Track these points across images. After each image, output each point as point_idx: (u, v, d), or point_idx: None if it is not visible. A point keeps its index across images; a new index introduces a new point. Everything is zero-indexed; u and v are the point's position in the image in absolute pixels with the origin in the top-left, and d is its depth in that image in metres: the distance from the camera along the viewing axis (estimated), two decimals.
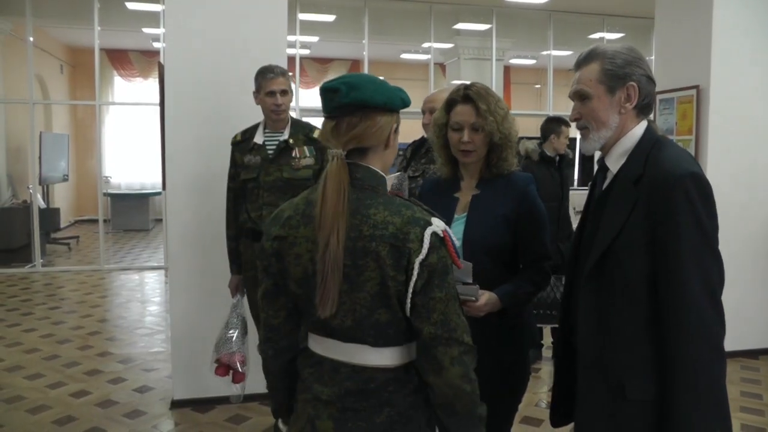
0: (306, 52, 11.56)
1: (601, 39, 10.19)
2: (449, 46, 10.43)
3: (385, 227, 1.35)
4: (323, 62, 12.58)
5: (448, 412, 1.41)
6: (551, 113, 9.90)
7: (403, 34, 10.34)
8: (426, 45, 10.13)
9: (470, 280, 1.95)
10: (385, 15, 9.56)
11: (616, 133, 1.67)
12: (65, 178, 10.22)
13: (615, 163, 1.68)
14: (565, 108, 12.43)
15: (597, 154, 1.78)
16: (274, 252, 1.47)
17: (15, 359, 4.85)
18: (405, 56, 12.28)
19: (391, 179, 2.79)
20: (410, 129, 3.85)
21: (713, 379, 1.48)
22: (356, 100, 1.39)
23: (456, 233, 2.06)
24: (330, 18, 9.68)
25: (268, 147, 3.19)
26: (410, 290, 1.35)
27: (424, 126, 3.02)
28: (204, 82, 3.77)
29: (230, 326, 3.14)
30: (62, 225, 10.95)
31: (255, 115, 3.34)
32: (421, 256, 1.33)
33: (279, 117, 3.16)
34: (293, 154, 3.16)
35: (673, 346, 1.49)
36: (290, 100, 3.20)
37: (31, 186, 8.60)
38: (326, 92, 1.42)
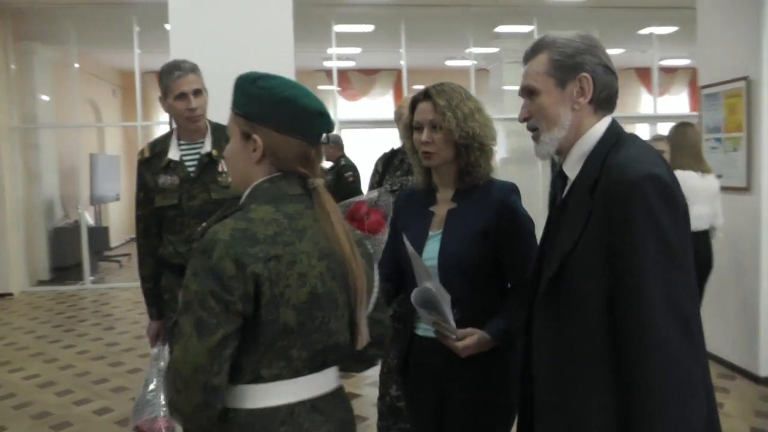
0: (351, 64, 11.55)
1: (650, 35, 9.75)
2: (493, 50, 10.19)
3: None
4: (369, 73, 12.52)
5: None
6: None
7: (443, 41, 10.18)
8: (468, 50, 9.93)
9: (449, 315, 1.76)
10: (423, 22, 9.42)
11: (572, 133, 1.45)
12: (117, 198, 10.51)
13: (572, 168, 1.47)
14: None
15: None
16: (268, 278, 1.24)
17: (49, 375, 4.98)
18: (450, 63, 12.10)
19: (371, 195, 2.68)
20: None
21: (682, 423, 1.23)
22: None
23: (430, 252, 1.91)
24: (368, 28, 9.63)
25: (187, 163, 2.59)
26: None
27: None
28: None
29: (150, 384, 2.52)
30: (116, 243, 11.28)
31: None
32: None
33: (196, 124, 2.57)
34: (219, 169, 2.58)
35: (633, 381, 1.26)
36: (206, 102, 2.59)
37: (80, 206, 8.86)
38: (322, 116, 1.37)
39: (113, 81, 12.00)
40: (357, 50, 10.69)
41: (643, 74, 12.06)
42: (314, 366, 1.33)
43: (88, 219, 8.75)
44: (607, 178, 1.34)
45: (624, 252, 1.28)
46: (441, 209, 1.96)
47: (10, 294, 7.99)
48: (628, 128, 1.71)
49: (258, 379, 1.28)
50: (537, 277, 1.53)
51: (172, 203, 2.55)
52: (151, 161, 2.62)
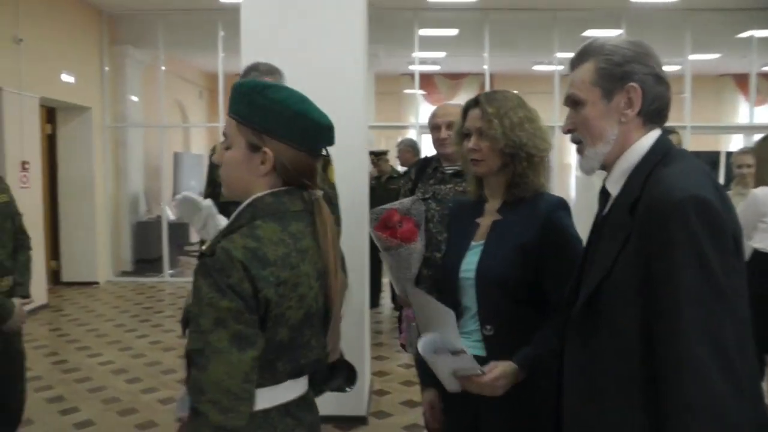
0: (436, 68, 11.48)
1: (750, 38, 9.16)
2: None
3: None
4: (455, 77, 12.38)
5: None
6: (690, 125, 9.06)
7: (529, 45, 9.96)
8: (554, 55, 9.65)
9: (458, 343, 1.63)
10: (508, 26, 9.25)
11: (617, 147, 1.34)
12: (200, 195, 10.82)
13: (615, 184, 1.35)
14: (706, 120, 11.39)
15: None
16: (276, 302, 1.24)
17: (122, 362, 5.15)
18: (537, 68, 11.82)
19: (403, 203, 2.64)
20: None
21: None
22: None
23: (469, 264, 1.84)
24: (453, 32, 9.54)
25: None
26: None
27: (438, 142, 2.79)
28: None
29: None
30: (197, 239, 11.61)
31: (337, 134, 3.18)
32: None
33: None
34: None
35: (669, 424, 1.12)
36: None
37: (163, 202, 9.19)
38: (330, 130, 1.38)
39: (199, 83, 12.42)
40: (441, 54, 10.61)
41: (741, 81, 11.37)
42: (293, 375, 1.35)
43: (170, 214, 9.05)
44: (648, 196, 1.21)
45: (661, 279, 1.15)
46: (486, 220, 1.89)
47: (97, 283, 8.38)
48: (722, 139, 1.54)
49: None
50: (573, 298, 1.40)
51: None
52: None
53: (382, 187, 6.38)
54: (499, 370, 1.66)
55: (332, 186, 2.55)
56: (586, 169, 1.40)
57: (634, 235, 1.21)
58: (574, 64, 1.38)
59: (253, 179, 1.32)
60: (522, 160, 1.80)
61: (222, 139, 1.38)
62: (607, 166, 1.37)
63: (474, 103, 1.90)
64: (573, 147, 1.46)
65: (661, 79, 1.32)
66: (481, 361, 1.80)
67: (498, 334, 1.77)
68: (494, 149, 1.81)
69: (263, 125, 1.30)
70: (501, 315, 1.77)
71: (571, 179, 9.90)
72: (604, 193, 1.40)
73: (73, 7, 8.09)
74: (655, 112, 1.33)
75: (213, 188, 2.67)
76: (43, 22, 7.27)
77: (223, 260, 1.20)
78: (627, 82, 1.30)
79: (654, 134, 1.33)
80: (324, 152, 1.41)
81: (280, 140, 1.30)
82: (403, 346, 2.83)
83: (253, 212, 1.30)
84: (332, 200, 2.52)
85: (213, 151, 2.72)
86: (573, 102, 1.37)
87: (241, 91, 1.33)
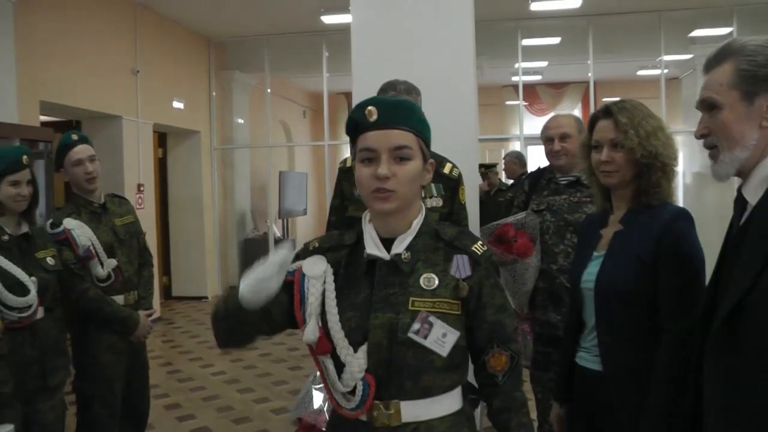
0: (538, 78, 11.31)
1: None
2: (687, 57, 9.41)
3: None
4: (557, 87, 12.15)
5: None
6: None
7: (634, 49, 9.60)
8: (659, 58, 9.26)
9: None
10: (613, 31, 8.95)
11: (756, 153, 1.28)
12: (305, 212, 11.15)
13: (754, 192, 1.28)
14: None
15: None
16: None
17: (234, 373, 5.34)
18: (641, 73, 11.37)
19: (518, 217, 2.65)
20: None
21: None
22: None
23: (590, 275, 1.82)
24: (555, 40, 9.37)
25: None
26: None
27: (551, 154, 2.75)
28: None
29: (318, 380, 2.56)
30: None
31: (446, 143, 3.18)
32: None
33: None
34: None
35: None
36: None
37: (269, 219, 9.51)
38: None
39: (303, 103, 12.81)
40: (544, 64, 10.45)
41: None
42: None
43: (276, 231, 9.35)
44: None
45: None
46: (609, 231, 1.86)
47: (206, 297, 8.77)
48: None
49: None
50: (710, 311, 1.33)
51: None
52: (352, 171, 2.61)
53: (492, 200, 6.32)
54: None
55: (463, 206, 2.53)
56: (720, 175, 1.34)
57: None
58: (710, 65, 1.33)
59: (419, 190, 1.43)
60: (657, 170, 1.78)
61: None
62: (743, 173, 1.31)
63: (603, 114, 1.88)
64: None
65: None
66: (598, 376, 1.76)
67: (614, 348, 1.73)
68: (629, 160, 1.79)
69: (428, 140, 1.42)
70: (618, 328, 1.73)
71: (678, 189, 9.40)
72: (740, 202, 1.33)
73: (183, 38, 8.58)
74: None
75: (341, 200, 2.69)
76: (156, 54, 7.76)
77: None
78: None
79: None
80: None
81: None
82: None
83: (429, 222, 1.43)
84: (461, 221, 2.49)
85: (344, 163, 2.73)
86: (708, 106, 1.32)
87: (413, 107, 1.42)
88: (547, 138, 2.77)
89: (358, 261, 1.42)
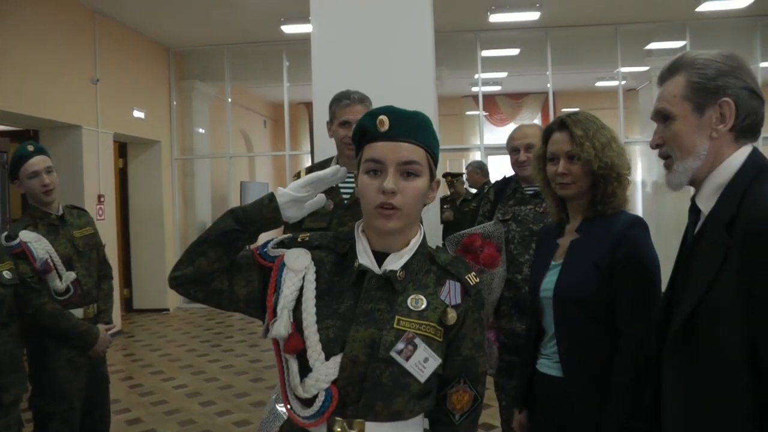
0: (497, 88, 11.46)
1: None
2: (644, 68, 9.66)
3: None
4: (516, 97, 12.34)
5: None
6: (763, 135, 8.63)
7: (591, 61, 9.81)
8: (617, 70, 9.49)
9: None
10: (570, 42, 9.14)
11: (707, 163, 1.32)
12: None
13: (707, 201, 1.32)
14: None
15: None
16: None
17: (196, 386, 5.27)
18: (599, 84, 11.63)
19: (485, 227, 2.66)
20: None
21: None
22: None
23: (548, 283, 1.86)
24: (514, 52, 9.51)
25: (342, 190, 2.52)
26: None
27: (517, 164, 2.78)
28: None
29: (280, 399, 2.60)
30: None
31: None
32: None
33: (351, 152, 2.43)
34: None
35: None
36: None
37: None
38: None
39: (263, 113, 12.74)
40: (503, 74, 10.59)
41: None
42: None
43: None
44: (747, 215, 1.18)
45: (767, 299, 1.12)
46: (566, 240, 1.90)
47: (167, 309, 8.63)
48: None
49: None
50: (666, 318, 1.37)
51: (322, 226, 2.47)
52: None
53: (458, 210, 6.36)
54: None
55: None
56: (674, 184, 1.38)
57: (733, 253, 1.18)
58: (664, 78, 1.37)
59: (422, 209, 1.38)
60: (612, 180, 1.82)
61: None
62: (696, 182, 1.35)
63: (558, 126, 1.91)
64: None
65: (755, 94, 1.30)
66: (559, 382, 1.80)
67: (574, 354, 1.77)
68: (586, 171, 1.83)
69: (437, 157, 1.38)
70: (577, 334, 1.76)
71: (637, 198, 9.64)
72: (694, 211, 1.37)
73: (143, 47, 8.47)
74: (748, 128, 1.31)
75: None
76: (116, 63, 7.63)
77: None
78: (720, 96, 1.29)
79: (746, 150, 1.31)
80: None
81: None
82: None
83: (425, 243, 1.40)
84: None
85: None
86: (662, 117, 1.36)
87: (428, 121, 1.36)
88: (513, 148, 2.80)
89: (346, 270, 1.36)
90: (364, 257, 1.35)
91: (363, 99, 2.60)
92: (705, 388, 1.22)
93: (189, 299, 1.62)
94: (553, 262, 1.89)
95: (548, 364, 1.87)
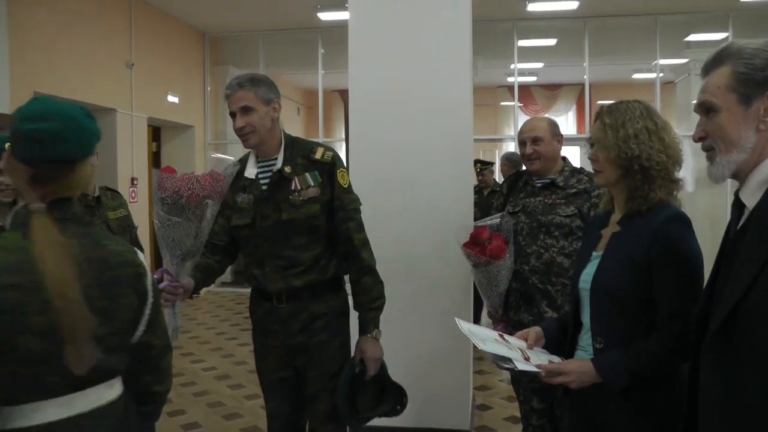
0: (533, 79, 11.34)
1: None
2: (683, 61, 9.45)
3: (122, 255, 1.39)
4: (552, 88, 12.18)
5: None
6: None
7: (630, 53, 9.64)
8: (655, 62, 9.30)
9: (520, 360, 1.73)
10: (608, 33, 9.01)
11: (753, 156, 1.27)
12: None
13: (751, 196, 1.28)
14: None
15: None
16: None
17: (225, 369, 5.32)
18: (636, 76, 11.41)
19: (494, 219, 2.68)
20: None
21: None
22: (62, 157, 1.35)
23: (587, 275, 1.82)
24: (551, 42, 9.39)
25: (262, 182, 2.36)
26: (148, 310, 1.42)
27: (525, 157, 2.77)
28: (386, 114, 3.57)
29: None
30: None
31: (441, 141, 3.14)
32: (150, 278, 1.43)
33: (248, 143, 2.34)
34: (292, 187, 2.31)
35: None
36: (261, 118, 2.31)
37: None
38: (27, 141, 1.34)
39: (297, 99, 12.79)
40: (539, 65, 10.47)
41: None
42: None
43: None
44: None
45: None
46: (608, 232, 1.86)
47: (198, 293, 8.71)
48: None
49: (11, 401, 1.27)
50: (705, 317, 1.33)
51: (246, 223, 2.37)
52: (234, 179, 2.33)
53: (484, 201, 6.20)
54: (575, 364, 1.72)
55: (346, 189, 2.36)
56: (716, 176, 1.33)
57: None
58: (708, 68, 1.33)
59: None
60: (635, 173, 1.75)
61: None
62: (740, 176, 1.31)
63: (597, 113, 1.89)
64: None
65: None
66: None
67: (607, 348, 1.74)
68: (610, 160, 1.78)
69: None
70: (611, 329, 1.73)
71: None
72: (737, 205, 1.33)
73: (178, 32, 8.55)
74: None
75: (222, 210, 2.44)
76: (151, 47, 7.72)
77: None
78: None
79: None
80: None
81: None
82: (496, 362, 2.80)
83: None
84: (348, 206, 2.35)
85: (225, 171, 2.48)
86: (706, 109, 1.32)
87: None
88: (521, 141, 2.79)
89: None
90: None
91: (242, 83, 2.37)
92: (744, 387, 1.19)
93: None
94: (594, 253, 1.85)
95: (584, 357, 1.84)
